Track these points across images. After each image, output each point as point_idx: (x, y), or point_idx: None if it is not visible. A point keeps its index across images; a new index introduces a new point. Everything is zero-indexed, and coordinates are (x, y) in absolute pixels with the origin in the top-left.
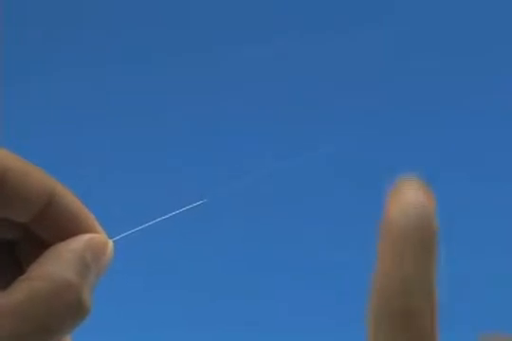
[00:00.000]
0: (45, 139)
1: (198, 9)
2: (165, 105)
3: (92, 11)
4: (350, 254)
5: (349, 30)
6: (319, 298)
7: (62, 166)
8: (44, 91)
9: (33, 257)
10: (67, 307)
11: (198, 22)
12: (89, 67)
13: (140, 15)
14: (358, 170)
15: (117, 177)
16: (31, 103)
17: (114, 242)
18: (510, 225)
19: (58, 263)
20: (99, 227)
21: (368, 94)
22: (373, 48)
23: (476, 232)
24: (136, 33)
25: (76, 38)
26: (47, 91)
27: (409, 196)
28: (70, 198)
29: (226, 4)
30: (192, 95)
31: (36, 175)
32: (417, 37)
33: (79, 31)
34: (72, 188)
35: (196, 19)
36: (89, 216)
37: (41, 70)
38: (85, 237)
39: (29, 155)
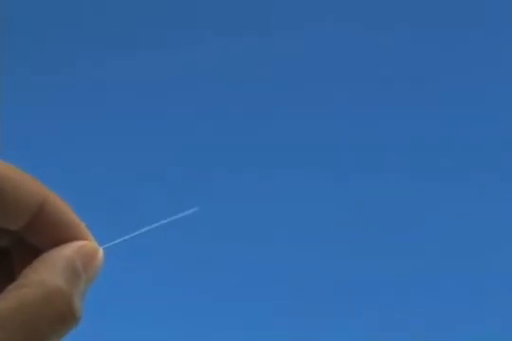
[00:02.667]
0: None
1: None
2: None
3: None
4: None
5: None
6: None
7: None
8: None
9: (25, 264)
10: (58, 314)
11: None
12: None
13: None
14: None
15: (109, 184)
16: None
17: (104, 249)
18: None
19: (49, 270)
20: (90, 235)
21: None
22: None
23: None
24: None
25: None
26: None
27: None
28: (62, 206)
29: None
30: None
31: (27, 183)
32: None
33: None
34: (67, 196)
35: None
36: (80, 224)
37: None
38: (76, 244)
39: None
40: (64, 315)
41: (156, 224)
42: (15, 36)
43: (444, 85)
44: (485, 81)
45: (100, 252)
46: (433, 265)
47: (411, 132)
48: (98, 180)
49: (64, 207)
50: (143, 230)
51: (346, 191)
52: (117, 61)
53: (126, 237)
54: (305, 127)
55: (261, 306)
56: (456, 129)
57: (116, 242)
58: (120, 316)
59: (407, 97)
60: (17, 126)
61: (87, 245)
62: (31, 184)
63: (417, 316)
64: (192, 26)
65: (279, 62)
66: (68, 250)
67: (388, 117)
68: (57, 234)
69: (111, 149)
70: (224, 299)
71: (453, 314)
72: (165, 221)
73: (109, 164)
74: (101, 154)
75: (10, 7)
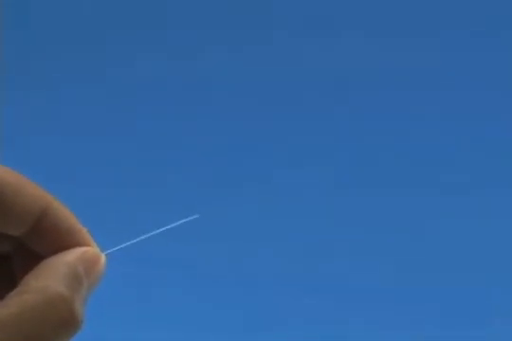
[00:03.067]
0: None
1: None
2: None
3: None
4: None
5: None
6: None
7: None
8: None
9: (26, 269)
10: (60, 319)
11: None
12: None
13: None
14: None
15: (110, 191)
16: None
17: (106, 255)
18: None
19: (51, 276)
20: (92, 241)
21: None
22: None
23: None
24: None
25: None
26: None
27: None
28: (64, 212)
29: None
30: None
31: (30, 189)
32: None
33: None
34: (69, 202)
35: None
36: (82, 229)
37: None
38: (78, 250)
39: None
40: (65, 321)
41: (158, 231)
42: (15, 36)
43: (448, 94)
44: (491, 91)
45: (103, 258)
46: (433, 265)
47: (412, 140)
48: (99, 183)
49: (66, 213)
50: (145, 236)
51: (346, 193)
52: (116, 63)
53: (128, 243)
54: (306, 132)
55: (261, 307)
56: (460, 138)
57: (118, 247)
58: (122, 321)
59: (408, 104)
60: (17, 126)
61: (89, 251)
62: (33, 189)
63: (417, 316)
64: (194, 32)
65: (280, 69)
66: (70, 256)
67: (390, 125)
68: (59, 240)
69: (113, 150)
70: (225, 301)
71: (454, 314)
72: (166, 227)
73: (111, 167)
74: (103, 157)
75: (10, 7)
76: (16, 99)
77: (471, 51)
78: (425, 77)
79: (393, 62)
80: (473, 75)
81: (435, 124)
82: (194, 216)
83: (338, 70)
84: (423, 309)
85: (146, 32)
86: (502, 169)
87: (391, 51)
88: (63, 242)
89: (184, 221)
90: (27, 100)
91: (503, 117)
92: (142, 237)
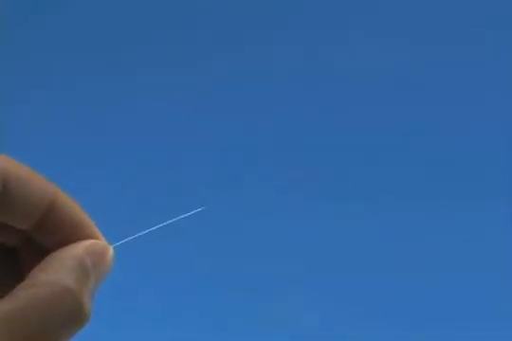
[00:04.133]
0: (48, 141)
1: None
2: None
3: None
4: None
5: None
6: None
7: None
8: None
9: (33, 263)
10: (67, 312)
11: None
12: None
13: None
14: None
15: (118, 185)
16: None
17: (114, 248)
18: None
19: (58, 270)
20: (99, 234)
21: None
22: None
23: None
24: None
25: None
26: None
27: None
28: (71, 205)
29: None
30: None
31: (37, 182)
32: None
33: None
34: (73, 194)
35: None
36: (90, 222)
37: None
38: (86, 243)
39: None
40: (73, 315)
41: (164, 224)
42: (15, 36)
43: (448, 94)
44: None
45: (110, 250)
46: (434, 265)
47: (412, 140)
48: (100, 182)
49: (73, 206)
50: (151, 229)
51: (346, 193)
52: (116, 63)
53: (135, 235)
54: (307, 132)
55: (261, 306)
56: (460, 139)
57: (125, 240)
58: (121, 321)
59: (408, 104)
60: (17, 126)
61: (97, 244)
62: (41, 182)
63: (417, 316)
64: (194, 33)
65: (280, 69)
66: (78, 249)
67: (390, 125)
68: (66, 233)
69: (113, 150)
70: (225, 301)
71: (454, 314)
72: (172, 220)
73: (112, 166)
74: (103, 156)
75: (10, 7)
76: (16, 99)
77: (472, 51)
78: (425, 77)
79: (394, 62)
80: (475, 75)
81: (436, 125)
82: (198, 209)
83: (339, 70)
84: (423, 309)
85: (147, 32)
86: (500, 173)
87: (391, 51)
88: (70, 235)
89: (189, 214)
90: (28, 100)
91: (504, 118)
92: (148, 230)
